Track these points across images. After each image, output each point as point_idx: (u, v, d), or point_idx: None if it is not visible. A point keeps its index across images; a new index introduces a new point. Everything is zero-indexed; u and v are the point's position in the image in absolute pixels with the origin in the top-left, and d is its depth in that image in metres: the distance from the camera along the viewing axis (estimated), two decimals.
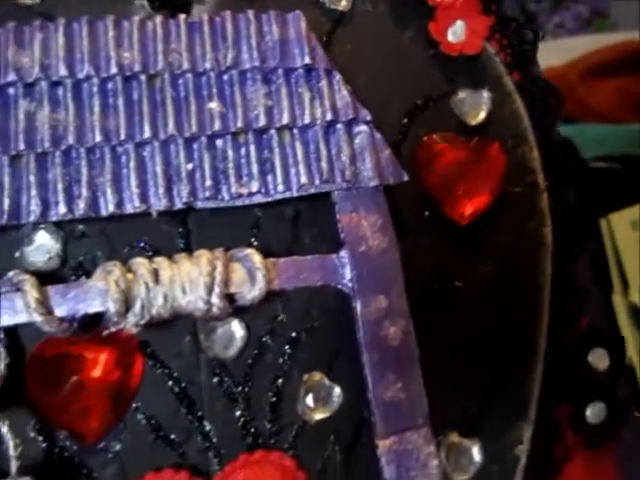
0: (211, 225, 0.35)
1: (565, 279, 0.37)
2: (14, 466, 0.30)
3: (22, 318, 0.31)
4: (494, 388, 0.35)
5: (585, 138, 0.65)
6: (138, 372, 0.33)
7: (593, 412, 0.38)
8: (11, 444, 0.30)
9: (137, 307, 0.31)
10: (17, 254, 0.33)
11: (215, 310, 0.32)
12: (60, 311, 0.31)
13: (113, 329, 0.32)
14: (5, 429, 0.30)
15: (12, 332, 0.32)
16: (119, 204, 0.33)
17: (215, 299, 0.32)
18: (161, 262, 0.32)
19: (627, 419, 0.40)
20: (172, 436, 0.33)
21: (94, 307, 0.31)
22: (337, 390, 0.34)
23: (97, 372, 0.32)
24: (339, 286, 0.34)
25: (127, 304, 0.31)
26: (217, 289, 0.32)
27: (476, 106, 0.38)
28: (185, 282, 0.31)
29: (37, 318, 0.31)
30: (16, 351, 0.32)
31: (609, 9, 1.18)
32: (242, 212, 0.35)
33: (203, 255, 0.32)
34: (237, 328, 0.34)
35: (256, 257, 0.33)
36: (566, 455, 0.37)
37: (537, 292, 0.36)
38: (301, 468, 0.33)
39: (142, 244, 0.34)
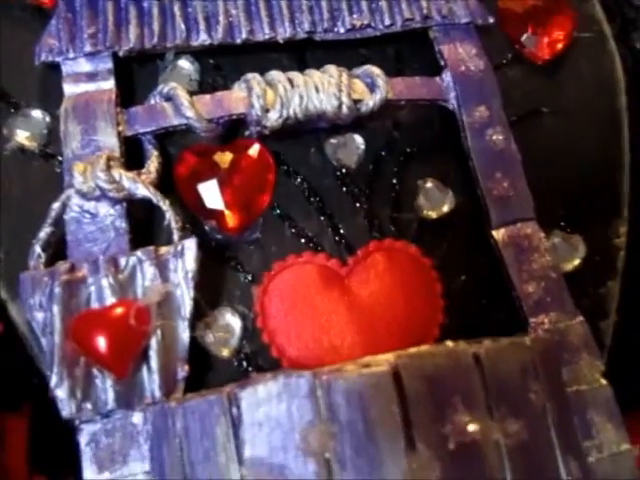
0: (325, 61, 0.39)
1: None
2: (177, 235, 0.33)
3: (174, 121, 0.35)
4: (587, 190, 0.39)
5: None
6: (271, 178, 0.36)
7: None
8: (172, 218, 0.33)
9: (277, 105, 0.35)
10: (160, 79, 0.37)
11: (344, 110, 0.36)
12: (207, 114, 0.35)
13: (254, 131, 0.36)
14: (166, 206, 0.33)
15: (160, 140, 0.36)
16: (251, 32, 0.37)
17: (345, 98, 0.36)
18: (293, 73, 0.36)
19: None
20: (306, 231, 0.36)
21: (238, 110, 0.35)
22: (449, 192, 0.37)
23: (240, 168, 0.35)
24: (444, 103, 0.38)
25: (267, 107, 0.35)
26: (345, 89, 0.36)
27: None
28: (318, 83, 0.36)
29: (190, 115, 0.35)
30: (166, 156, 0.36)
31: None
32: (351, 52, 0.40)
33: (330, 67, 0.37)
34: (358, 139, 0.38)
35: (375, 69, 0.37)
36: None
37: (617, 112, 0.40)
38: (425, 256, 0.36)
39: None
